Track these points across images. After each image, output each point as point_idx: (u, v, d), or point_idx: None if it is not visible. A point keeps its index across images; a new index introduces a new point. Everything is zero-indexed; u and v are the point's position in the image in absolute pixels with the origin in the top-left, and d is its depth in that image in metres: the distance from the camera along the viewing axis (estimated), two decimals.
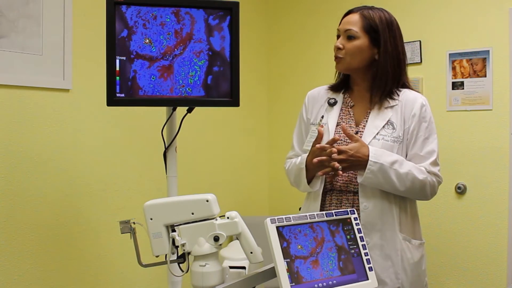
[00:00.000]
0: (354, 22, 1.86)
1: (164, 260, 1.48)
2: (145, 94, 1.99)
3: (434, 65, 3.00)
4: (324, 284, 1.41)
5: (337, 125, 1.90)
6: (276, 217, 1.43)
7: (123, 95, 1.97)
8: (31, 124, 2.33)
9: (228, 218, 1.46)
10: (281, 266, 1.37)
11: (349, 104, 1.94)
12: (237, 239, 1.47)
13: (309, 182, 1.87)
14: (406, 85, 1.93)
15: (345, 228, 1.51)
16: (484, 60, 2.84)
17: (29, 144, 2.32)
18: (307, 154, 1.86)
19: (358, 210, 1.80)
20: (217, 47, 2.03)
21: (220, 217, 1.48)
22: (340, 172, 1.75)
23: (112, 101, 1.96)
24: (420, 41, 3.03)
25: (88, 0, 2.53)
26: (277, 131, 3.66)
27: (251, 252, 1.46)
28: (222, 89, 2.04)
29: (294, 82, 3.56)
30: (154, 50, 1.99)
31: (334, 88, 2.00)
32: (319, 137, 1.82)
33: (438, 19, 2.99)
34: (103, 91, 1.96)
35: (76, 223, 2.50)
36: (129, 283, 2.73)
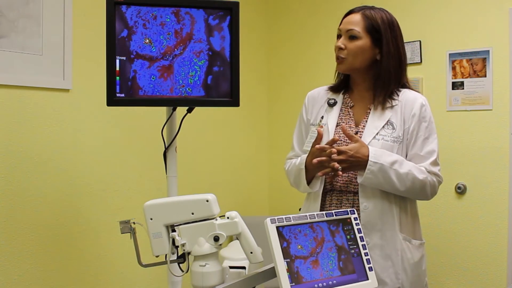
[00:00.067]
0: (356, 22, 1.86)
1: (164, 260, 1.48)
2: (145, 94, 1.99)
3: (434, 65, 3.00)
4: (324, 284, 1.41)
5: (336, 126, 1.90)
6: (276, 217, 1.42)
7: (123, 95, 1.97)
8: (31, 124, 2.33)
9: (228, 218, 1.46)
10: (281, 266, 1.37)
11: (349, 104, 1.94)
12: (237, 239, 1.47)
13: (309, 182, 1.87)
14: (406, 85, 1.93)
15: (345, 228, 1.51)
16: (484, 60, 2.84)
17: (29, 144, 2.32)
18: (306, 154, 1.86)
19: (358, 210, 1.80)
20: (217, 47, 2.03)
21: (220, 217, 1.48)
22: (340, 173, 1.75)
23: (112, 101, 1.96)
24: (420, 41, 3.03)
25: (88, 0, 2.53)
26: (277, 131, 3.66)
27: (251, 252, 1.46)
28: (222, 89, 2.04)
29: (294, 82, 3.56)
30: (154, 50, 1.99)
31: (334, 89, 2.00)
32: (319, 137, 1.81)
33: (438, 19, 2.99)
34: (103, 91, 1.97)
35: (76, 223, 2.50)
36: (129, 283, 2.73)
